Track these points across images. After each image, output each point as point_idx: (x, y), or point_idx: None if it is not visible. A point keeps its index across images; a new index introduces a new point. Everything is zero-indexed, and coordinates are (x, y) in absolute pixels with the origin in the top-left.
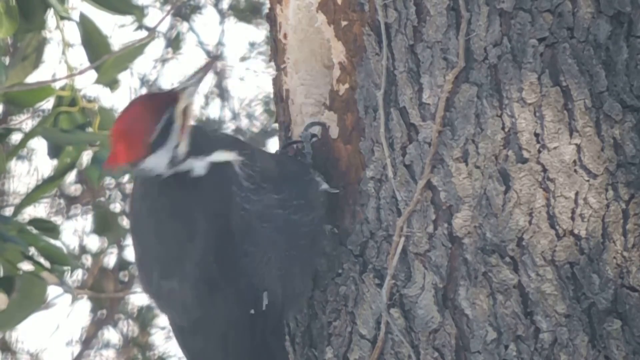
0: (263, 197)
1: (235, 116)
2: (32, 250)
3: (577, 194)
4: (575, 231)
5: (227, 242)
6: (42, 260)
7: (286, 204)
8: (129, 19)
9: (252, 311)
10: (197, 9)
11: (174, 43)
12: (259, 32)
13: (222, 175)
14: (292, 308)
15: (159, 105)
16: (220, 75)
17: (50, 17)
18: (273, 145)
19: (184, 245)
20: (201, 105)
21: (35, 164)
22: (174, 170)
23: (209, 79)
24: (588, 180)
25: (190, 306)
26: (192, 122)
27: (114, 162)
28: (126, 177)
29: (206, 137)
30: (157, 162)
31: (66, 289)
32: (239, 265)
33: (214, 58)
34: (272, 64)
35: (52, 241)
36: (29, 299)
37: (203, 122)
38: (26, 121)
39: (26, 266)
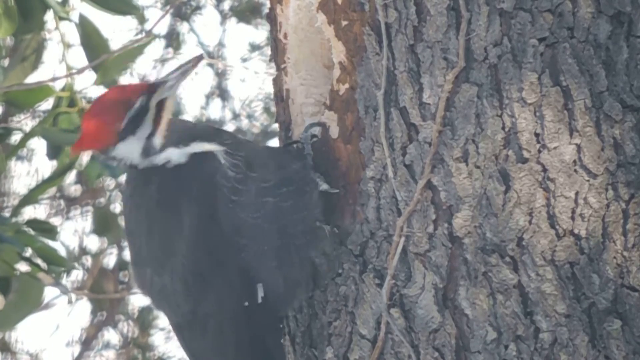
0: (251, 186)
1: (235, 116)
2: (29, 251)
3: (577, 193)
4: (575, 231)
5: (215, 233)
6: (38, 261)
7: (276, 191)
8: (131, 23)
9: (247, 303)
10: (197, 9)
11: (174, 43)
12: (259, 33)
13: (206, 166)
14: (291, 299)
15: (132, 95)
16: (221, 76)
17: (51, 19)
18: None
19: (170, 239)
20: (202, 106)
21: (36, 164)
22: (150, 161)
23: (209, 80)
24: (588, 180)
25: (181, 299)
26: (170, 115)
27: (80, 147)
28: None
29: (186, 128)
30: (128, 151)
31: (62, 289)
32: (231, 258)
33: (199, 57)
34: (273, 64)
35: (50, 242)
36: (25, 299)
37: (204, 123)
38: (26, 121)
39: (23, 267)
